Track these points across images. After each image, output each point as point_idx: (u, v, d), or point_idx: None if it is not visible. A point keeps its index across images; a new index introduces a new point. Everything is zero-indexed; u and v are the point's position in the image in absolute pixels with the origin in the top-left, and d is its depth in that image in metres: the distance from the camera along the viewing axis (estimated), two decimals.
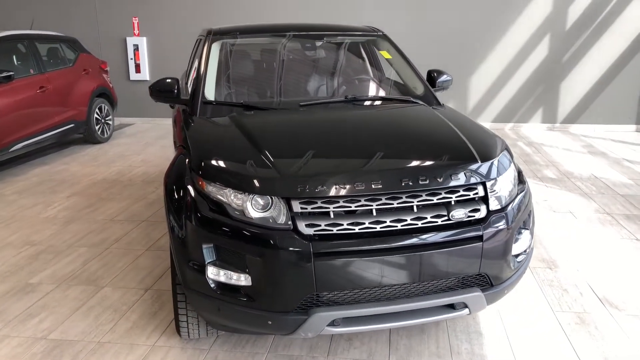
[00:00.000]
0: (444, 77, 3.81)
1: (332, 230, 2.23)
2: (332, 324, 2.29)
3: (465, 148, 2.59)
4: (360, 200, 2.27)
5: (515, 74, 8.65)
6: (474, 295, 2.39)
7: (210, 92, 3.33)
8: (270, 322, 2.30)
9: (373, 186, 2.28)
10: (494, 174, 2.48)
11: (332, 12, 8.74)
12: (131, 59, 9.58)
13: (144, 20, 9.41)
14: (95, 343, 2.90)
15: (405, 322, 2.37)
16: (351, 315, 2.27)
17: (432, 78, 3.76)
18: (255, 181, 2.33)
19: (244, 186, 2.33)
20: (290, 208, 2.25)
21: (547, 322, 3.05)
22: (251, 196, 2.30)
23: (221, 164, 2.51)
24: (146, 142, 8.14)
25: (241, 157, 2.53)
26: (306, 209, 2.25)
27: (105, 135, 8.19)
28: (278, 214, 2.26)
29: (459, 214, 2.33)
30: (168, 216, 2.56)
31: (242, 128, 2.84)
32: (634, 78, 8.41)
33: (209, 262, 2.36)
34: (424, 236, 2.28)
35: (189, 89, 3.60)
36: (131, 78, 9.68)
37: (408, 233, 2.28)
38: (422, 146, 2.67)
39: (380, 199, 2.28)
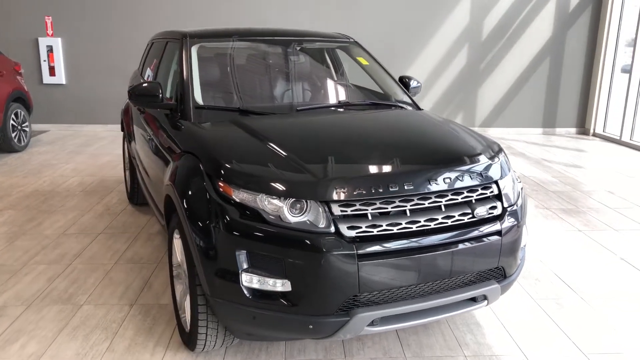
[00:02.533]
0: (415, 83, 3.99)
1: (373, 232, 2.28)
2: (371, 323, 2.33)
3: (477, 148, 2.75)
4: (395, 202, 2.34)
5: (437, 81, 9.17)
6: (493, 288, 2.55)
7: (199, 97, 3.23)
8: (311, 327, 2.30)
9: (406, 187, 2.36)
10: (504, 172, 2.67)
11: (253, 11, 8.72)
12: (44, 60, 8.89)
13: (59, 20, 8.79)
14: None
15: (435, 317, 2.47)
16: (390, 314, 2.33)
17: (405, 83, 3.92)
18: (291, 185, 2.32)
19: (278, 191, 2.31)
20: (330, 211, 2.26)
21: (532, 308, 3.30)
22: (288, 200, 2.29)
23: (249, 169, 2.46)
24: (71, 151, 7.61)
25: (268, 161, 2.50)
26: (346, 211, 2.28)
27: (22, 144, 7.54)
28: (317, 218, 2.27)
29: (482, 211, 2.48)
30: (189, 226, 2.46)
31: (253, 133, 2.80)
32: (540, 85, 9.25)
33: (242, 270, 2.31)
34: (454, 234, 2.40)
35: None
36: (44, 82, 9.00)
37: (440, 231, 2.38)
38: (439, 148, 2.79)
39: (413, 200, 2.37)
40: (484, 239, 2.47)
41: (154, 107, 3.30)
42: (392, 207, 2.33)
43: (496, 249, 2.51)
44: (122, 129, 5.38)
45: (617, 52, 8.94)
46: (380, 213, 2.32)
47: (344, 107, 3.40)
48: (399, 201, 2.34)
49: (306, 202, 2.29)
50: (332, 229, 2.24)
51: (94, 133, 9.02)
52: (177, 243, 2.90)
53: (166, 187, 2.89)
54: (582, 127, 9.46)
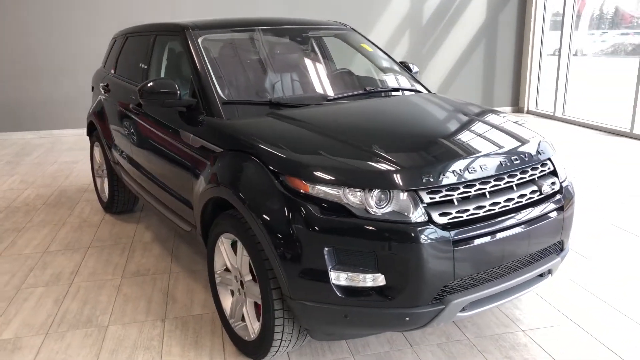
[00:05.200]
0: (415, 69, 4.02)
1: (462, 217, 2.26)
2: (463, 309, 2.32)
3: (526, 128, 2.81)
4: (475, 185, 2.33)
5: None
6: (556, 261, 2.62)
7: (222, 92, 3.04)
8: (407, 319, 2.24)
9: (483, 170, 2.36)
10: (553, 149, 2.75)
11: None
12: None
13: None
14: None
15: (512, 296, 2.49)
16: (479, 298, 2.32)
17: (407, 69, 3.93)
18: (376, 176, 2.24)
19: (362, 183, 2.22)
20: (420, 199, 2.21)
21: (559, 278, 3.45)
22: (373, 192, 2.21)
23: (325, 162, 2.33)
24: (8, 161, 6.93)
25: (339, 153, 2.39)
26: (434, 198, 2.24)
27: None
28: (406, 207, 2.20)
29: (546, 187, 2.54)
30: (263, 228, 2.30)
31: (303, 125, 2.68)
32: (477, 67, 9.68)
33: (331, 268, 2.20)
34: (529, 211, 2.44)
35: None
36: None
37: (517, 210, 2.41)
38: (494, 129, 2.81)
39: (490, 182, 2.37)
40: (550, 215, 2.53)
41: (170, 106, 3.06)
42: (474, 191, 2.32)
43: (559, 223, 2.58)
44: (90, 135, 4.97)
45: (544, 35, 9.53)
46: (462, 198, 2.30)
47: (369, 94, 3.34)
48: (479, 184, 2.34)
49: (389, 192, 2.22)
50: (425, 218, 2.20)
51: (25, 141, 8.27)
52: (224, 249, 2.73)
53: (208, 191, 2.70)
54: (517, 106, 10.02)
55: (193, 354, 2.74)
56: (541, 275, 2.60)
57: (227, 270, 2.82)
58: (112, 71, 4.51)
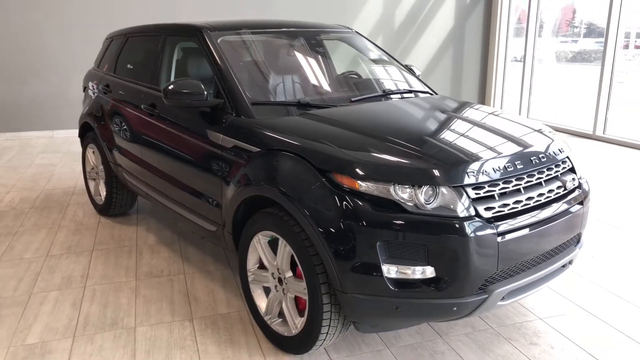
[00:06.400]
0: (418, 72, 4.17)
1: (504, 211, 2.40)
2: (502, 298, 2.46)
3: (545, 129, 2.99)
4: (512, 181, 2.48)
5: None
6: (576, 252, 2.82)
7: (249, 93, 3.08)
8: (455, 308, 2.36)
9: (518, 167, 2.52)
10: (569, 148, 2.94)
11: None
12: None
13: None
14: None
15: (542, 285, 2.65)
16: (517, 287, 2.47)
17: (411, 72, 4.07)
18: (425, 173, 2.34)
19: (412, 179, 2.33)
20: (467, 195, 2.34)
21: None
22: (423, 188, 2.32)
23: (374, 160, 2.42)
24: None
25: (384, 151, 2.48)
26: (479, 194, 2.37)
27: None
28: (453, 202, 2.32)
29: (569, 184, 2.72)
30: (313, 225, 2.36)
31: (339, 124, 2.77)
32: (446, 72, 10.01)
33: (383, 262, 2.30)
34: (558, 205, 2.61)
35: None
36: None
37: (547, 205, 2.58)
38: (517, 127, 2.97)
39: (524, 178, 2.53)
40: (573, 208, 2.71)
41: (197, 106, 3.07)
42: (512, 186, 2.47)
43: (580, 217, 2.77)
44: (82, 136, 4.87)
45: (509, 42, 9.96)
46: (502, 193, 2.45)
47: (386, 95, 3.46)
48: (515, 180, 2.49)
49: (436, 188, 2.34)
50: (473, 212, 2.32)
51: None
52: (261, 247, 2.77)
53: (245, 190, 2.74)
54: None
55: (230, 352, 2.77)
56: (563, 265, 2.78)
57: (260, 267, 2.86)
58: (112, 72, 4.43)
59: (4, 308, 3.20)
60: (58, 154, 7.11)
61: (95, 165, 4.74)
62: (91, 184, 4.88)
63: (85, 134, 4.77)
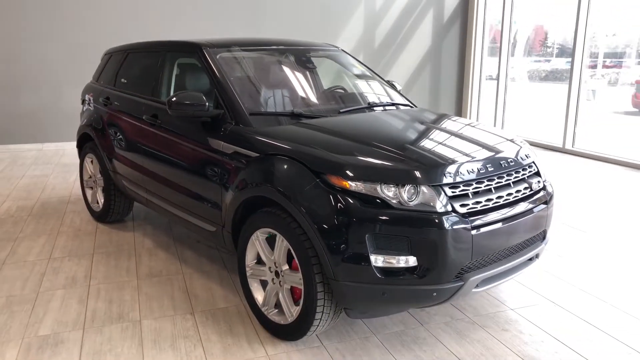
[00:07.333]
0: (399, 87, 4.51)
1: (477, 207, 2.72)
2: (476, 286, 2.77)
3: (512, 135, 3.34)
4: (484, 182, 2.81)
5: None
6: (542, 247, 3.15)
7: (247, 104, 3.37)
8: (434, 294, 2.65)
9: (489, 169, 2.85)
10: (535, 154, 3.29)
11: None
12: None
13: None
14: None
15: (511, 276, 2.98)
16: (489, 276, 2.79)
17: (393, 87, 4.42)
18: (407, 174, 2.66)
19: (396, 179, 2.64)
20: (445, 193, 2.65)
21: None
22: (405, 187, 2.63)
23: (364, 163, 2.73)
24: None
25: (372, 155, 2.79)
26: (455, 192, 2.69)
27: None
28: (432, 199, 2.63)
29: (535, 185, 3.06)
30: (310, 221, 2.64)
31: (330, 132, 3.07)
32: (423, 89, 10.44)
33: (372, 252, 2.59)
34: (527, 203, 2.95)
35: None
36: None
37: (515, 203, 2.91)
38: (489, 136, 3.31)
39: (494, 179, 2.86)
40: (539, 207, 3.05)
41: (199, 117, 3.35)
42: (484, 186, 2.80)
43: (545, 215, 3.11)
44: (80, 147, 5.10)
45: (483, 60, 10.45)
46: (475, 192, 2.77)
47: (370, 107, 3.80)
48: (487, 180, 2.82)
49: (417, 187, 2.65)
50: (449, 208, 2.64)
51: None
52: (259, 243, 3.04)
53: (245, 192, 3.02)
54: None
55: (231, 340, 3.02)
56: (530, 259, 3.11)
57: (258, 263, 3.13)
58: (112, 85, 4.69)
59: (14, 305, 3.40)
60: (49, 165, 7.28)
61: (93, 174, 4.96)
62: (88, 192, 5.09)
63: (84, 144, 5.00)
